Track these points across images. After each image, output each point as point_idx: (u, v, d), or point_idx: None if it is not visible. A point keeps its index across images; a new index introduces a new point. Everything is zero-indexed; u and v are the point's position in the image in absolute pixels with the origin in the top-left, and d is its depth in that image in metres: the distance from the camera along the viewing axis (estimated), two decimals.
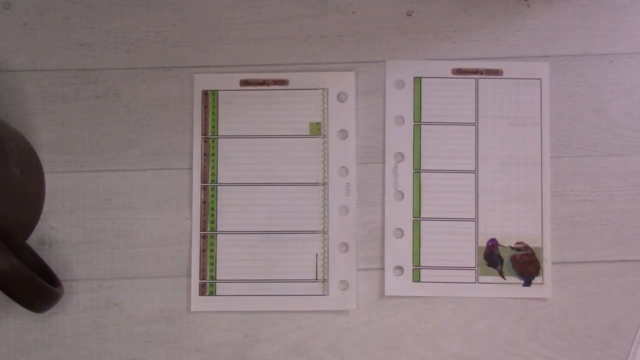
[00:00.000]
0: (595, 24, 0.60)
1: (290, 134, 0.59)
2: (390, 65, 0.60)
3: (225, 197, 0.59)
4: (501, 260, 0.58)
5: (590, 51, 0.60)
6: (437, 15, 0.60)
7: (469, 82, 0.59)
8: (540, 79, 0.59)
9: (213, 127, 0.59)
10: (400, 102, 0.59)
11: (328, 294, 0.58)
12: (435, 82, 0.59)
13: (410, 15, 0.60)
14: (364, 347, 0.58)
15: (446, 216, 0.58)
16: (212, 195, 0.59)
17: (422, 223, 0.58)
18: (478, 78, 0.59)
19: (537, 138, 0.59)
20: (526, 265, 0.58)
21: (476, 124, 0.59)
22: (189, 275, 0.58)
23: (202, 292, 0.58)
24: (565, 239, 0.58)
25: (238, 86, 0.59)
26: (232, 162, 0.59)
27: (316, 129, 0.59)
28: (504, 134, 0.59)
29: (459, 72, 0.59)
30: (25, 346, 0.58)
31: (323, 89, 0.59)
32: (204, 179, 0.59)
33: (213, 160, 0.59)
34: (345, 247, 0.58)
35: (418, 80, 0.59)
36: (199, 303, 0.58)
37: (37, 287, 0.51)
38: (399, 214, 0.58)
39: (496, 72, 0.59)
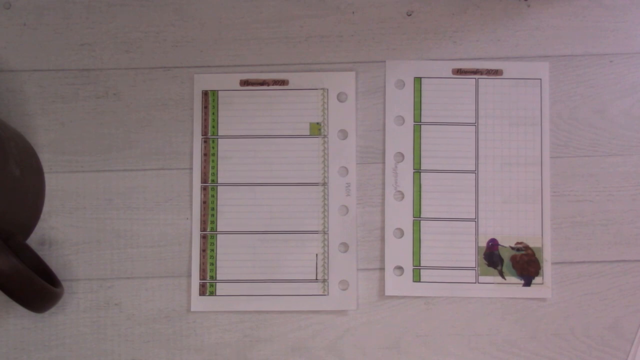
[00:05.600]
0: (595, 24, 0.60)
1: (290, 134, 0.59)
2: (390, 65, 0.60)
3: (225, 197, 0.59)
4: (501, 260, 0.58)
5: (590, 51, 0.60)
6: (437, 15, 0.60)
7: (469, 82, 0.59)
8: (540, 79, 0.59)
9: (213, 127, 0.59)
10: (400, 102, 0.59)
11: (328, 294, 0.58)
12: (435, 82, 0.59)
13: (410, 15, 0.60)
14: (364, 347, 0.58)
15: (446, 216, 0.58)
16: (212, 195, 0.59)
17: (422, 223, 0.58)
18: (478, 78, 0.59)
19: (537, 138, 0.59)
20: (526, 265, 0.58)
21: (476, 124, 0.59)
22: (189, 275, 0.58)
23: (202, 292, 0.58)
24: (565, 239, 0.58)
25: (238, 86, 0.59)
26: (232, 162, 0.59)
27: (316, 129, 0.59)
28: (504, 134, 0.59)
29: (459, 72, 0.59)
30: (25, 346, 0.58)
31: (323, 89, 0.59)
32: (204, 179, 0.59)
33: (213, 160, 0.59)
34: (345, 247, 0.58)
35: (418, 80, 0.59)
36: (199, 303, 0.58)
37: (37, 287, 0.51)
38: (399, 214, 0.58)
39: (496, 72, 0.59)
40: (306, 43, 0.60)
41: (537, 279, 0.58)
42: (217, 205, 0.59)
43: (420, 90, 0.59)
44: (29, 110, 0.59)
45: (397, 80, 0.59)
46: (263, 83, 0.59)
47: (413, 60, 0.60)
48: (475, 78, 0.59)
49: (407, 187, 0.59)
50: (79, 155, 0.59)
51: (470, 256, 0.58)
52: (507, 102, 0.59)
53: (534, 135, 0.59)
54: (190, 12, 0.60)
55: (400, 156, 0.59)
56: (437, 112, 0.59)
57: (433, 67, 0.59)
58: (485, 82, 0.59)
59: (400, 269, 0.58)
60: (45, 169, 0.59)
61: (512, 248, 0.58)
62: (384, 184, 0.59)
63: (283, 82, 0.59)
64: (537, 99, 0.59)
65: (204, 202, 0.59)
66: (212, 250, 0.58)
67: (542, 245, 0.58)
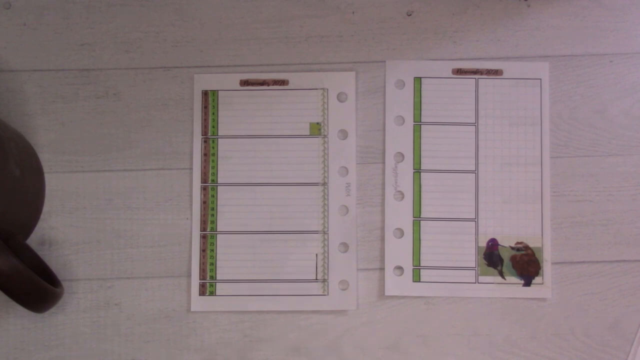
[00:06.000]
0: (595, 24, 0.60)
1: (290, 134, 0.59)
2: (390, 65, 0.60)
3: (225, 197, 0.59)
4: (501, 260, 0.58)
5: (590, 51, 0.60)
6: (437, 15, 0.60)
7: (469, 82, 0.59)
8: (540, 79, 0.59)
9: (213, 127, 0.59)
10: (400, 102, 0.59)
11: (328, 294, 0.58)
12: (435, 82, 0.59)
13: (410, 15, 0.60)
14: (364, 347, 0.58)
15: (446, 216, 0.58)
16: (212, 195, 0.59)
17: (422, 223, 0.58)
18: (478, 78, 0.59)
19: (537, 138, 0.59)
20: (526, 265, 0.58)
21: (476, 124, 0.59)
22: (189, 275, 0.58)
23: (202, 292, 0.58)
24: (565, 239, 0.58)
25: (238, 86, 0.59)
26: (232, 162, 0.59)
27: (316, 129, 0.59)
28: (504, 134, 0.59)
29: (459, 72, 0.59)
30: (25, 346, 0.58)
31: (323, 89, 0.59)
32: (204, 179, 0.59)
33: (213, 160, 0.59)
34: (345, 247, 0.58)
35: (418, 80, 0.59)
36: (199, 303, 0.58)
37: (37, 287, 0.51)
38: (399, 214, 0.58)
39: (496, 72, 0.59)
40: (306, 43, 0.60)
41: (537, 279, 0.58)
42: (217, 205, 0.59)
43: (420, 90, 0.59)
44: (29, 110, 0.59)
45: (397, 80, 0.59)
46: (263, 83, 0.59)
47: (413, 60, 0.60)
48: (475, 78, 0.59)
49: (407, 187, 0.59)
50: (79, 155, 0.59)
51: (470, 256, 0.58)
52: (507, 102, 0.59)
53: (534, 135, 0.59)
54: (190, 12, 0.60)
55: (400, 156, 0.59)
56: (437, 112, 0.59)
57: (433, 67, 0.59)
58: (485, 82, 0.59)
59: (400, 269, 0.58)
60: (45, 169, 0.59)
61: (512, 248, 0.58)
62: (384, 184, 0.59)
63: (283, 82, 0.59)
64: (537, 99, 0.59)
65: (204, 202, 0.59)
66: (212, 250, 0.58)
67: (542, 245, 0.58)
